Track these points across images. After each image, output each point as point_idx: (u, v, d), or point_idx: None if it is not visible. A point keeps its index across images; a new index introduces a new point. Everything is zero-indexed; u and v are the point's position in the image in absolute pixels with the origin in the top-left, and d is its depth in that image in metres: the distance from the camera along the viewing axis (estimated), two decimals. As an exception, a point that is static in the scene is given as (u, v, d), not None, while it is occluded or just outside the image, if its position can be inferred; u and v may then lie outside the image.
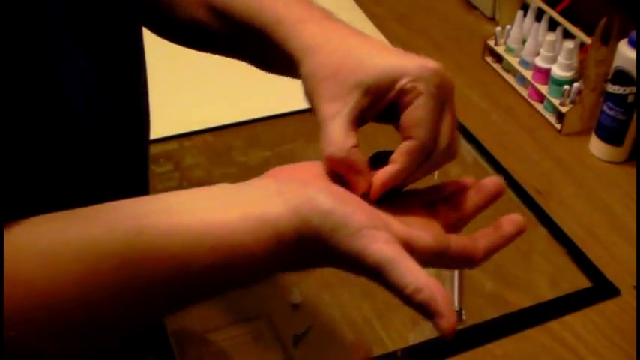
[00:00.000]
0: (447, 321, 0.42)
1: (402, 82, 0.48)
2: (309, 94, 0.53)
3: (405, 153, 0.49)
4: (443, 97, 0.49)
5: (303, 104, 1.15)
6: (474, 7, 1.30)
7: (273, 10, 0.55)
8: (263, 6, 0.55)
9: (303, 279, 0.82)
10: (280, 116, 1.04)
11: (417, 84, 0.48)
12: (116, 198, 0.44)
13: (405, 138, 0.49)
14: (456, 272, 0.82)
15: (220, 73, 1.13)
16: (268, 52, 0.56)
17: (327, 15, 0.55)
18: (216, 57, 1.28)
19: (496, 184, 0.54)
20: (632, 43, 0.91)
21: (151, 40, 1.21)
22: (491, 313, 0.79)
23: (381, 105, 0.50)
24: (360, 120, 0.50)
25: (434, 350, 0.75)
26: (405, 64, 0.49)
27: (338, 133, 0.49)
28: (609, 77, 0.95)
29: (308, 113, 1.15)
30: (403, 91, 0.48)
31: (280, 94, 1.09)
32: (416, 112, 0.48)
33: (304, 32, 0.53)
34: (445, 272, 0.83)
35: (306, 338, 0.75)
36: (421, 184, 0.53)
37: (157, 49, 1.26)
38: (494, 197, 0.55)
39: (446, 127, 0.49)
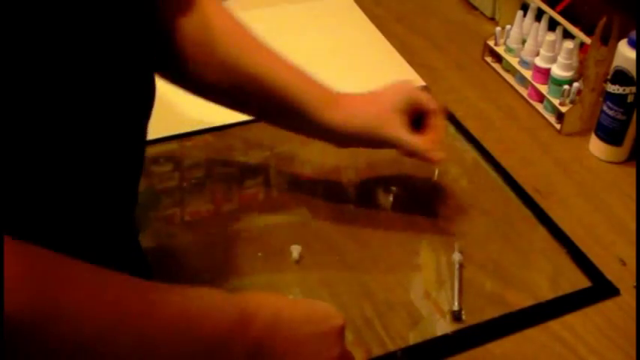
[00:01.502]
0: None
1: (413, 99, 0.84)
2: (369, 138, 0.83)
3: (440, 118, 0.85)
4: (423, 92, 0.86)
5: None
6: (474, 7, 1.30)
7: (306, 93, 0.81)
8: (297, 86, 0.80)
9: (304, 279, 0.82)
10: (280, 116, 1.04)
11: (415, 90, 0.85)
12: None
13: (431, 111, 0.84)
14: (456, 273, 0.82)
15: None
16: (299, 121, 0.82)
17: (333, 92, 0.84)
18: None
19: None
20: (632, 43, 0.91)
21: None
22: (491, 313, 0.79)
23: (411, 113, 0.84)
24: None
25: (434, 350, 0.75)
26: (405, 87, 0.85)
27: (414, 138, 0.82)
28: (609, 77, 0.95)
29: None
30: (414, 99, 0.84)
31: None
32: (425, 101, 0.84)
33: (339, 110, 0.82)
34: (445, 273, 0.83)
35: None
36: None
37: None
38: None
39: None
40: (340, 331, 0.62)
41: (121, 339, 0.48)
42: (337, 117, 0.82)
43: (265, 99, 0.81)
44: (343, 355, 0.62)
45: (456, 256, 0.83)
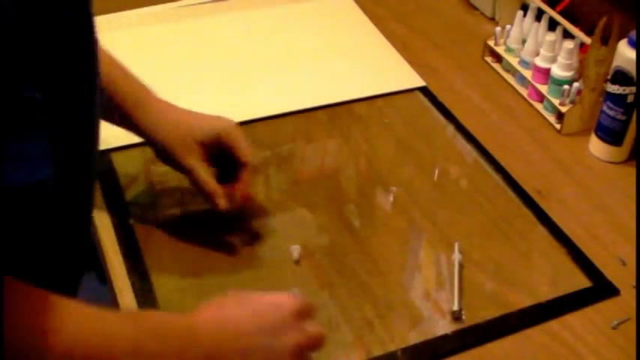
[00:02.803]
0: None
1: (223, 134, 0.81)
2: (167, 155, 0.81)
3: (248, 172, 0.82)
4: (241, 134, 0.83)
5: (304, 104, 1.16)
6: (474, 7, 1.30)
7: (128, 92, 0.80)
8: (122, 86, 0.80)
9: (303, 279, 0.82)
10: (280, 116, 1.04)
11: (232, 132, 0.82)
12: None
13: (242, 163, 0.82)
14: (456, 273, 0.82)
15: (220, 73, 1.13)
16: (121, 119, 0.82)
17: (151, 93, 0.83)
18: (216, 57, 1.28)
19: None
20: (631, 43, 0.91)
21: (150, 40, 1.21)
22: (491, 313, 0.79)
23: (214, 149, 0.81)
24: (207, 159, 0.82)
25: (434, 350, 0.75)
26: (220, 124, 0.82)
27: (205, 174, 0.80)
28: (609, 77, 0.95)
29: (308, 113, 1.16)
30: (226, 140, 0.81)
31: (280, 94, 1.09)
32: (240, 151, 0.81)
33: (150, 114, 0.80)
34: (445, 273, 0.83)
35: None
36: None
37: (157, 49, 1.26)
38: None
39: None
40: (289, 319, 0.63)
41: None
42: (146, 120, 0.80)
43: None
44: (302, 341, 0.63)
45: (456, 256, 0.83)
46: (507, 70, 1.14)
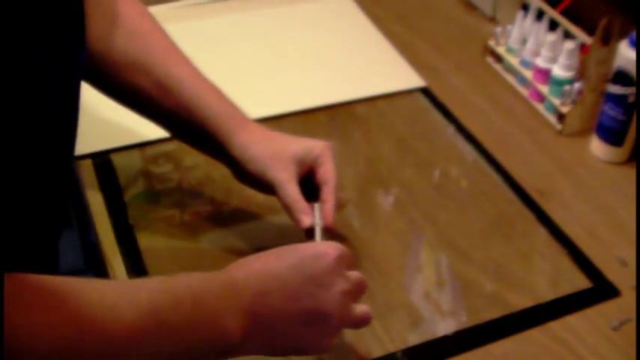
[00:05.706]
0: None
1: (314, 153, 0.79)
2: (257, 169, 0.79)
3: (330, 192, 0.78)
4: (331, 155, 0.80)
5: (303, 104, 1.16)
6: (474, 7, 1.30)
7: (216, 109, 0.81)
8: (208, 103, 0.81)
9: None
10: (280, 116, 1.04)
11: (325, 151, 0.79)
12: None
13: (323, 181, 0.79)
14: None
15: (219, 73, 1.13)
16: (206, 139, 0.81)
17: (245, 116, 0.83)
18: (216, 57, 1.28)
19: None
20: (632, 44, 0.91)
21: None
22: (491, 313, 0.79)
23: (305, 168, 0.79)
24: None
25: (434, 351, 0.75)
26: (315, 144, 0.80)
27: (296, 191, 0.77)
28: (610, 78, 0.95)
29: (308, 113, 1.16)
30: (317, 158, 0.79)
31: (280, 94, 1.09)
32: (325, 168, 0.79)
33: (246, 133, 0.80)
34: (445, 273, 0.83)
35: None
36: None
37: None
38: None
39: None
40: (334, 266, 0.64)
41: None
42: (239, 137, 0.79)
43: (180, 115, 0.80)
44: (348, 288, 0.65)
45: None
46: (508, 71, 1.14)
